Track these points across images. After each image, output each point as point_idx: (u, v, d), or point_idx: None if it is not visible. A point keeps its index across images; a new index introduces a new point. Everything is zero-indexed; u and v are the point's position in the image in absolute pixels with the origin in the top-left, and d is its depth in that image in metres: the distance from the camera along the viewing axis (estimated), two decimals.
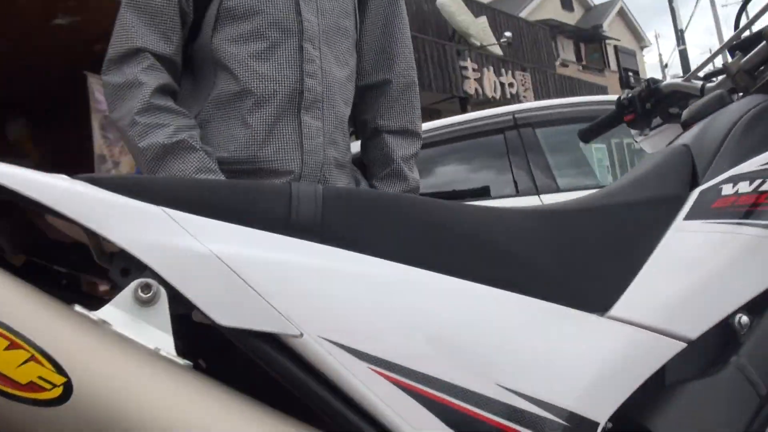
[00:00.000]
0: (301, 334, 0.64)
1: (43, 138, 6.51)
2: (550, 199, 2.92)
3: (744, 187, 0.85)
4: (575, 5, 24.92)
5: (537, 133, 3.14)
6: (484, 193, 3.18)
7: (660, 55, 33.39)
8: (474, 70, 10.96)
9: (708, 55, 1.48)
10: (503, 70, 11.57)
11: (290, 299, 0.65)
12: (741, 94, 1.11)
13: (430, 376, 0.67)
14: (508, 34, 11.61)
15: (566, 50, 22.03)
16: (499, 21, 14.31)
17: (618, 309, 0.77)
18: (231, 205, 0.70)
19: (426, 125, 3.50)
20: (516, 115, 3.19)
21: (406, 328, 0.69)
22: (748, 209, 0.85)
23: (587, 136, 1.60)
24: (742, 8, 1.37)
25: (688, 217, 0.84)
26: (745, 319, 0.82)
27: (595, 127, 1.56)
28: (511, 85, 11.65)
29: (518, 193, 3.08)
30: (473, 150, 3.37)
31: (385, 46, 1.47)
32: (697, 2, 22.09)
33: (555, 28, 21.02)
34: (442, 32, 12.31)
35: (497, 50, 11.98)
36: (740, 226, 0.84)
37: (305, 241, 0.69)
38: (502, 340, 0.73)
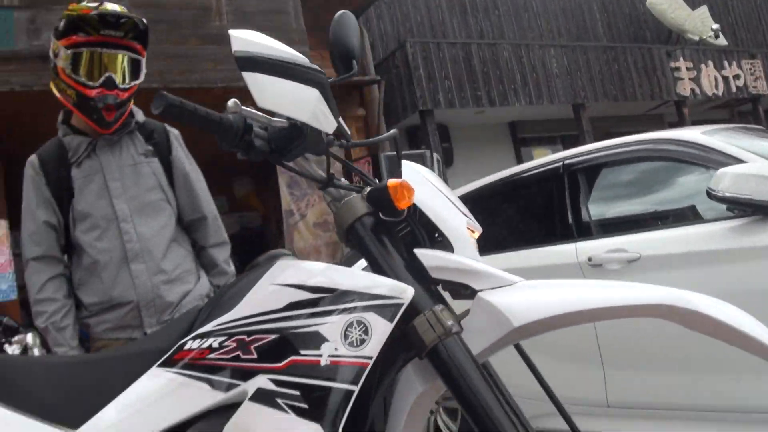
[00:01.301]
0: None
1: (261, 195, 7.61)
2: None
3: (196, 344, 1.03)
4: None
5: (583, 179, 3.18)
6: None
7: None
8: (688, 69, 10.31)
9: None
10: (726, 63, 10.68)
11: None
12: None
13: None
14: (715, 26, 10.68)
15: None
16: (731, 4, 13.14)
17: (86, 426, 1.01)
18: None
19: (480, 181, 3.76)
20: (565, 162, 3.24)
21: None
22: (190, 362, 1.02)
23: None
24: None
25: (159, 365, 1.04)
26: None
27: None
28: (737, 77, 10.70)
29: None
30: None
31: (191, 198, 2.26)
32: None
33: None
34: (662, 34, 11.70)
35: (721, 41, 11.07)
36: (179, 375, 1.02)
37: None
38: None
